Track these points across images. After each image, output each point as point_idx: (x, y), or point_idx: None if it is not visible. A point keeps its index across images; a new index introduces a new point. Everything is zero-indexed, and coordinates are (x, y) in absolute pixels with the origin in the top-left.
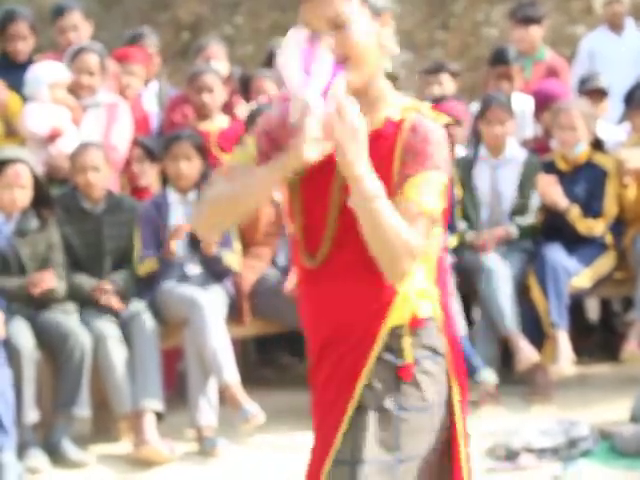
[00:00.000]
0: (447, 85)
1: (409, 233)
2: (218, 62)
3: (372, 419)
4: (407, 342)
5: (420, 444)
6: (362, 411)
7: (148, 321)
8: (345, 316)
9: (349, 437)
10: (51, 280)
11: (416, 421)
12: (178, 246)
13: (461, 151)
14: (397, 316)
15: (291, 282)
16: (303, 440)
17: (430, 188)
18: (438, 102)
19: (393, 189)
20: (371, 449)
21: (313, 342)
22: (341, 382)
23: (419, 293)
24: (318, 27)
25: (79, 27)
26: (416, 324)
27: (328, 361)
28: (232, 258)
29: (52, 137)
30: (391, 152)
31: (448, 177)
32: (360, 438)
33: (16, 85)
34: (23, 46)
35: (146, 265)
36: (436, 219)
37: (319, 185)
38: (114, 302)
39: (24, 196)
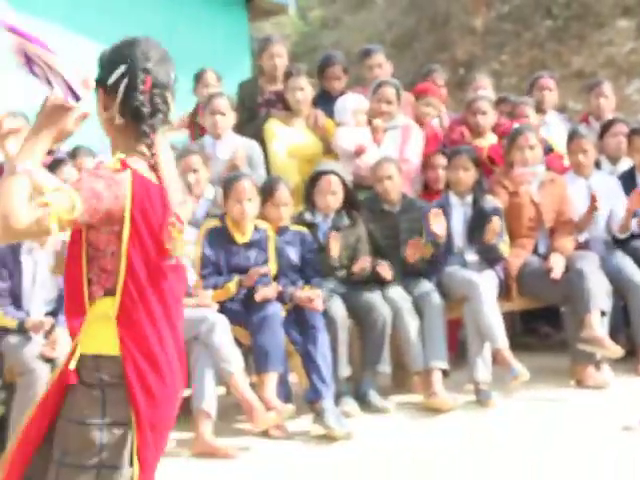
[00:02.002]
0: None
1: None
2: (486, 92)
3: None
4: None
5: (85, 457)
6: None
7: (435, 298)
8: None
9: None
10: (366, 263)
11: (79, 434)
12: (458, 240)
13: None
14: (84, 344)
15: (555, 267)
16: (560, 394)
17: (58, 194)
18: None
19: None
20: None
21: None
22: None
23: (95, 325)
24: None
25: (383, 65)
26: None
27: None
28: (504, 247)
29: (357, 153)
30: None
31: (87, 203)
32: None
33: (332, 113)
34: (338, 85)
35: (428, 248)
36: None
37: None
38: (388, 275)
39: (336, 200)
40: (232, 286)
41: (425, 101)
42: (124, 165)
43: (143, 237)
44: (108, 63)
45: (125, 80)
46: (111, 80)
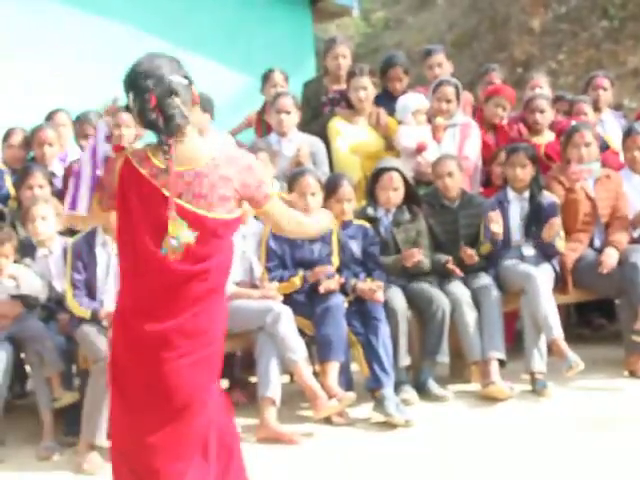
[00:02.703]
0: None
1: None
2: (543, 90)
3: None
4: None
5: None
6: None
7: (493, 290)
8: None
9: None
10: (419, 256)
11: None
12: (516, 235)
13: None
14: None
15: (607, 260)
16: (614, 384)
17: None
18: None
19: None
20: None
21: None
22: None
23: None
24: None
25: (443, 65)
26: None
27: None
28: (560, 243)
29: (418, 150)
30: None
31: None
32: None
33: (393, 112)
34: (399, 85)
35: (484, 247)
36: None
37: None
38: (458, 271)
39: (397, 195)
40: (297, 280)
41: (495, 101)
42: (118, 150)
43: (131, 217)
44: (125, 91)
45: (137, 104)
46: (130, 106)
